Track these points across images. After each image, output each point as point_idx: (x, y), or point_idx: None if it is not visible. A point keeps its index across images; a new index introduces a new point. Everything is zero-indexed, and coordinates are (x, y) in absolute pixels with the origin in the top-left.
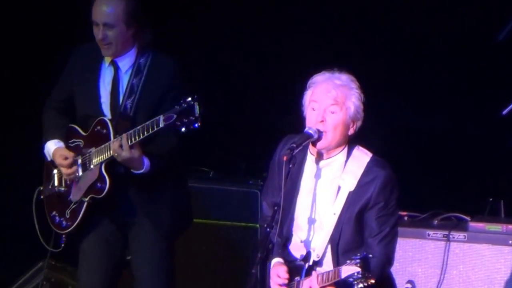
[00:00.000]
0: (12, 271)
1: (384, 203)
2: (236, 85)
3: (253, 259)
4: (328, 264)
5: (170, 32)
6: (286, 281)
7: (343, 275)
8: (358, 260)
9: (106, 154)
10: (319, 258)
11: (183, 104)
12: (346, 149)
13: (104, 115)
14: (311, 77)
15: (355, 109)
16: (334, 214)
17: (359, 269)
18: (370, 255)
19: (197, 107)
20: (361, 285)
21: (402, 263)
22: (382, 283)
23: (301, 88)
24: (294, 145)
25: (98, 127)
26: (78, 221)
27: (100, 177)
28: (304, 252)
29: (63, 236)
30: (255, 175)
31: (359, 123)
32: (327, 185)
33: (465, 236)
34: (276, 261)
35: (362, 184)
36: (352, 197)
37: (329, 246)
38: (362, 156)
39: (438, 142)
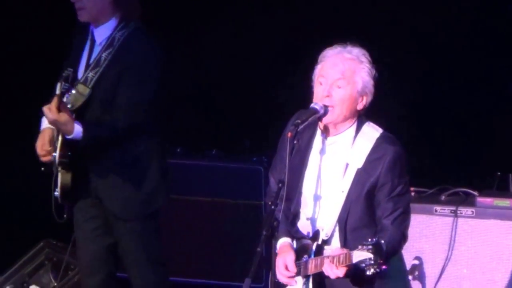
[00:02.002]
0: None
1: (395, 182)
2: (239, 61)
3: (258, 237)
4: (335, 242)
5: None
6: (294, 275)
7: (355, 260)
8: (370, 246)
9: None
10: (328, 237)
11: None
12: (355, 125)
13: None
14: (318, 52)
15: (364, 84)
16: (343, 191)
17: (371, 255)
18: (383, 241)
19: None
20: (372, 270)
21: (410, 239)
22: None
23: (306, 63)
24: (299, 121)
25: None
26: (58, 190)
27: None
28: (310, 230)
29: (65, 208)
30: (259, 152)
31: (369, 98)
32: (335, 162)
33: (473, 211)
34: (283, 242)
35: (371, 160)
36: (361, 174)
37: (337, 225)
38: (371, 132)
39: (446, 117)
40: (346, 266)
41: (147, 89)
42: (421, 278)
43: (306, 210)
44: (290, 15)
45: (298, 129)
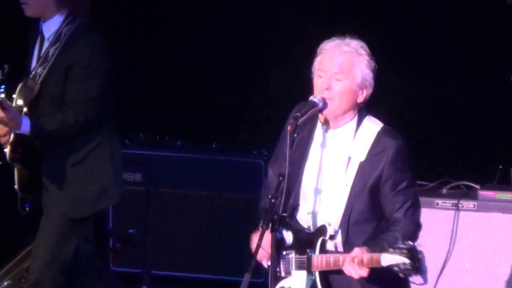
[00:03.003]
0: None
1: (400, 175)
2: (238, 54)
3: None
4: (338, 237)
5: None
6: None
7: (385, 263)
8: (405, 251)
9: None
10: (335, 233)
11: None
12: (356, 118)
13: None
14: (317, 41)
15: (363, 77)
16: (346, 185)
17: (406, 260)
18: (418, 247)
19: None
20: (408, 274)
21: None
22: None
23: (304, 56)
24: (299, 114)
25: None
26: (16, 184)
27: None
28: (311, 224)
29: (27, 201)
30: (260, 145)
31: (369, 91)
32: (336, 155)
33: (474, 204)
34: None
35: (373, 154)
36: (364, 167)
37: (345, 218)
38: (372, 126)
39: (448, 110)
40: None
41: (94, 84)
42: (423, 272)
43: (306, 204)
44: (289, 4)
45: (298, 123)
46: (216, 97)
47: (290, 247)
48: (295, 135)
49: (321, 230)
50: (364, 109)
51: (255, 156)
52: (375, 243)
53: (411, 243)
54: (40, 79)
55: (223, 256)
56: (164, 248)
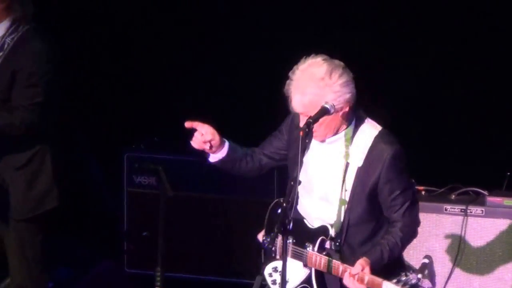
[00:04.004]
0: None
1: (397, 180)
2: (249, 58)
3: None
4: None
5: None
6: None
7: None
8: (407, 287)
9: None
10: (336, 235)
11: None
12: (353, 123)
13: None
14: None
15: (337, 100)
16: (346, 190)
17: None
18: (422, 281)
19: None
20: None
21: (420, 238)
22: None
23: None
24: (311, 120)
25: None
26: None
27: None
28: (313, 222)
29: None
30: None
31: (350, 104)
32: (335, 160)
33: (482, 210)
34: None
35: (370, 160)
36: (361, 173)
37: (346, 221)
38: (370, 130)
39: (457, 116)
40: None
41: (40, 91)
42: (431, 277)
43: (308, 206)
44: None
45: (312, 127)
46: (230, 101)
47: (289, 233)
48: (307, 141)
49: (323, 229)
50: (363, 111)
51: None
52: (374, 251)
53: (415, 278)
54: None
55: (235, 259)
56: (178, 250)
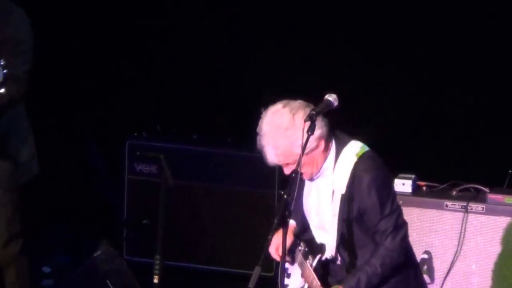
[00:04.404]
0: None
1: (378, 206)
2: (254, 50)
3: (270, 226)
4: (339, 262)
5: None
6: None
7: None
8: None
9: None
10: (332, 258)
11: None
12: (334, 150)
13: None
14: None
15: (306, 145)
16: (334, 216)
17: None
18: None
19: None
20: None
21: (420, 233)
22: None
23: (313, 49)
24: (314, 113)
25: None
26: None
27: None
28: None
29: None
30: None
31: (324, 137)
32: (324, 190)
33: (483, 207)
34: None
35: (352, 187)
36: (345, 200)
37: (340, 246)
38: (350, 156)
39: (458, 112)
40: None
41: (29, 58)
42: (430, 272)
43: (312, 222)
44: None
45: (314, 120)
46: (232, 91)
47: (297, 236)
48: (310, 133)
49: (323, 247)
50: (344, 134)
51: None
52: (352, 277)
53: None
54: None
55: (234, 249)
56: (177, 239)
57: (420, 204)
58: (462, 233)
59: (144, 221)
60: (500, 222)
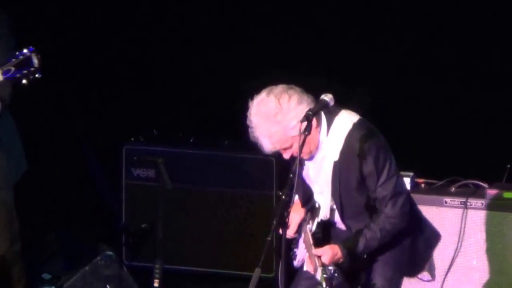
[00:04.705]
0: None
1: (375, 174)
2: (254, 51)
3: (269, 228)
4: (340, 225)
5: None
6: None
7: (317, 275)
8: (325, 276)
9: None
10: (326, 219)
11: (19, 56)
12: (325, 123)
13: None
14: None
15: (296, 127)
16: (327, 182)
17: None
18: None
19: (35, 57)
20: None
21: None
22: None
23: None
24: (310, 113)
25: None
26: None
27: None
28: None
29: None
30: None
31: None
32: (320, 157)
33: (482, 203)
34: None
35: (346, 154)
36: (339, 167)
37: (337, 212)
38: (344, 123)
39: (456, 108)
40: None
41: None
42: (431, 270)
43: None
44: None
45: (311, 119)
46: (229, 94)
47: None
48: (306, 133)
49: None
50: (334, 105)
51: (266, 154)
52: (351, 238)
53: (332, 271)
54: None
55: (234, 251)
56: (177, 243)
57: (419, 201)
58: (462, 229)
59: (143, 226)
60: (499, 217)
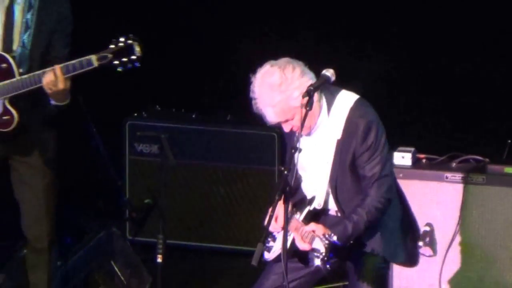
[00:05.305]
0: None
1: (368, 153)
2: (253, 26)
3: (270, 202)
4: (332, 212)
5: None
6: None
7: (314, 245)
8: (327, 242)
9: (10, 89)
10: (320, 207)
11: (119, 44)
12: (324, 102)
13: None
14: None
15: (299, 98)
16: (327, 163)
17: (323, 251)
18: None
19: (137, 46)
20: (317, 262)
21: (421, 206)
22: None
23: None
24: (312, 88)
25: None
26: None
27: (6, 112)
28: (308, 194)
29: None
30: None
31: (307, 86)
32: (320, 137)
33: (483, 178)
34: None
35: (347, 132)
36: (341, 145)
37: (331, 196)
38: (345, 102)
39: (457, 83)
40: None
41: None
42: (432, 245)
43: (305, 175)
44: None
45: (312, 95)
46: (231, 69)
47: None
48: (308, 109)
49: (311, 200)
50: (332, 86)
51: (268, 128)
52: (339, 222)
53: (334, 237)
54: (29, 46)
55: (237, 226)
56: (180, 218)
57: (420, 176)
58: (463, 204)
59: (146, 201)
60: (500, 193)
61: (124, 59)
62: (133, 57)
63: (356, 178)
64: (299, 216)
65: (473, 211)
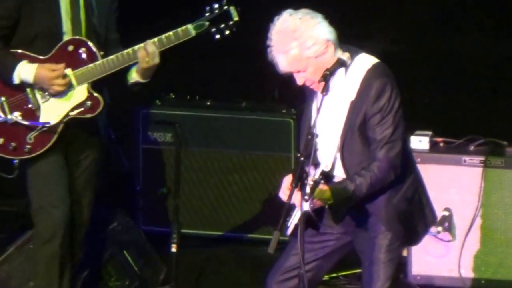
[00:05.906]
0: None
1: (379, 115)
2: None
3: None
4: (339, 178)
5: None
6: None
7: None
8: (312, 183)
9: (95, 73)
10: (328, 169)
11: (215, 11)
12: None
13: (63, 33)
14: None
15: (314, 50)
16: (339, 125)
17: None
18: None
19: (233, 10)
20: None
21: (439, 190)
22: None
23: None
24: (328, 73)
25: (70, 47)
26: (52, 142)
27: (91, 97)
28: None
29: (15, 161)
30: (289, 103)
31: (332, 40)
32: (334, 96)
33: (502, 161)
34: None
35: (361, 93)
36: (354, 106)
37: (339, 160)
38: (363, 63)
39: (475, 67)
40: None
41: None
42: (451, 229)
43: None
44: None
45: (328, 79)
46: (245, 55)
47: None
48: (324, 94)
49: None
50: (354, 48)
51: (284, 114)
52: (342, 182)
53: (319, 178)
54: (97, 27)
55: (252, 214)
56: (194, 207)
57: (438, 160)
58: (482, 188)
59: (161, 190)
60: None
61: (222, 25)
62: (231, 22)
63: (365, 142)
64: (314, 173)
65: (492, 195)
